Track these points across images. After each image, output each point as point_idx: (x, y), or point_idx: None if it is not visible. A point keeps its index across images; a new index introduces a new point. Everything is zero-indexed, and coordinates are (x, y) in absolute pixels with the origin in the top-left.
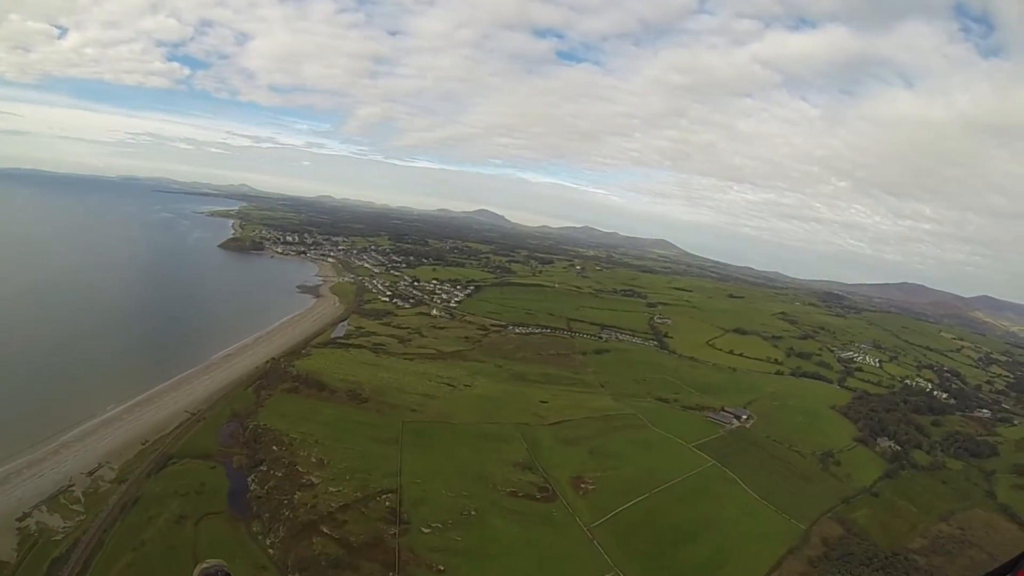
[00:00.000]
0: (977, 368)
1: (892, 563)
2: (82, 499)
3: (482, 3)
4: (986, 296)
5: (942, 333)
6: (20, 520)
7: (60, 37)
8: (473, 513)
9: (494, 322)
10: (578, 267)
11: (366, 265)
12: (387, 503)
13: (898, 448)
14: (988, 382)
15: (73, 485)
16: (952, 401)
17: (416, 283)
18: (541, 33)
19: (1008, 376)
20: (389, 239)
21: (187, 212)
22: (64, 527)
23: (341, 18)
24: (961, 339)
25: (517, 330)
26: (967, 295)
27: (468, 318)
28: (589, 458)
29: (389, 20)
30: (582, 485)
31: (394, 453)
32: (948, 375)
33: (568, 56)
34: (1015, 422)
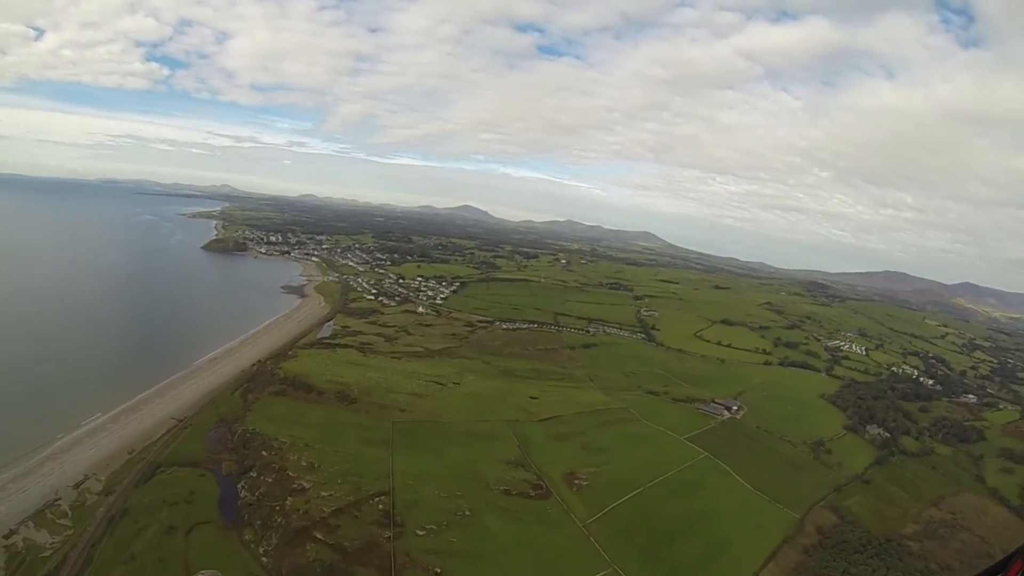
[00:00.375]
0: (961, 354)
1: (886, 549)
2: (69, 513)
3: None
4: (968, 283)
5: (926, 320)
6: (7, 537)
7: (37, 39)
8: (467, 513)
9: (481, 318)
10: (563, 261)
11: (350, 263)
12: (380, 506)
13: (887, 435)
14: (973, 368)
15: (59, 499)
16: (938, 387)
17: (401, 280)
18: (522, 28)
19: (992, 361)
20: (373, 237)
21: (169, 214)
22: (52, 543)
23: (322, 15)
24: (945, 326)
25: (504, 326)
26: (949, 282)
27: (454, 315)
28: (581, 454)
29: (370, 17)
30: (575, 481)
31: (385, 454)
32: (933, 361)
33: (549, 51)
34: (1000, 407)
